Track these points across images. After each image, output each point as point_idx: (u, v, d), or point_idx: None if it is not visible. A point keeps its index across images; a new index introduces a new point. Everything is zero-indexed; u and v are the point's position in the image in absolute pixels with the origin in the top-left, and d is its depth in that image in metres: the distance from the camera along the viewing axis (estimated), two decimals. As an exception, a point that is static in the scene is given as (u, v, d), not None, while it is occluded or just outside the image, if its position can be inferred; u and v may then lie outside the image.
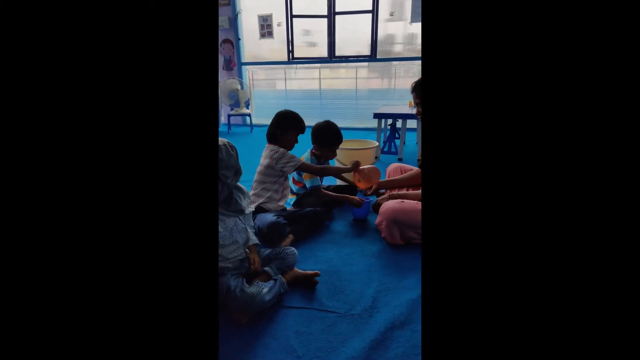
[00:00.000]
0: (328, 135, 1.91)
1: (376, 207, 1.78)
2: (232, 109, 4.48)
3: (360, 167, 1.89)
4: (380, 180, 1.91)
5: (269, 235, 1.52)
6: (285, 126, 1.75)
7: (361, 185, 1.93)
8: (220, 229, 1.15)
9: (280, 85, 5.32)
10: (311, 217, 1.72)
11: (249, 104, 4.58)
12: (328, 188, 2.05)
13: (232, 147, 1.12)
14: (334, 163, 2.32)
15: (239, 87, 4.45)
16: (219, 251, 1.13)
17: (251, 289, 1.12)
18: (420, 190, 1.70)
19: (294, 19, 4.51)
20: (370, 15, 4.27)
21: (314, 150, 1.96)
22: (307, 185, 1.92)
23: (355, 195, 1.97)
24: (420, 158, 1.94)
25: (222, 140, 1.10)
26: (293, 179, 1.99)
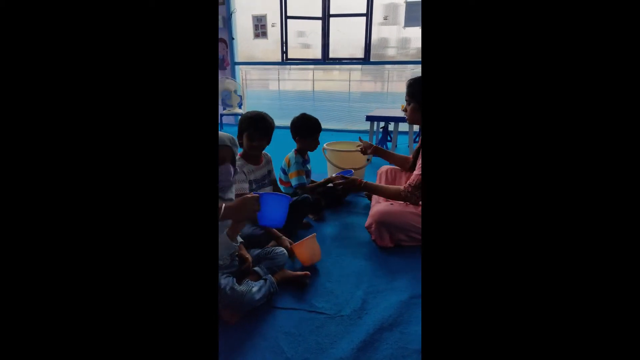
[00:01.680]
0: (307, 126, 1.92)
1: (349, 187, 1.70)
2: (224, 109, 4.46)
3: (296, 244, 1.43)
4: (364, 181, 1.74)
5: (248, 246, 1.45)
6: (240, 129, 1.62)
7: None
8: None
9: (273, 86, 5.31)
10: (294, 207, 1.66)
11: (241, 104, 4.57)
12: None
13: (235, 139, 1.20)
14: (329, 168, 2.32)
15: (232, 88, 4.42)
16: None
17: (241, 288, 1.11)
18: (390, 186, 1.66)
19: (288, 20, 4.51)
20: (364, 18, 4.30)
21: (297, 148, 1.98)
22: (293, 184, 1.93)
23: (342, 198, 2.11)
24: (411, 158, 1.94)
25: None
26: (280, 179, 2.00)
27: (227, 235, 1.06)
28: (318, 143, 2.00)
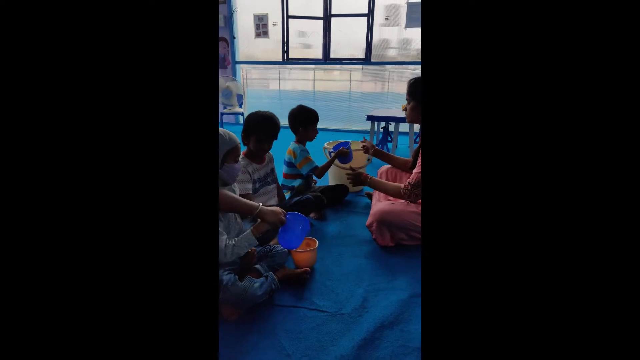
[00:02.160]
0: (306, 115, 1.94)
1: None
2: (225, 107, 4.46)
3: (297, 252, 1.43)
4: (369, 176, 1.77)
5: None
6: (247, 129, 1.61)
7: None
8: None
9: (274, 85, 5.31)
10: (298, 207, 1.67)
11: (242, 103, 4.57)
12: (318, 189, 2.07)
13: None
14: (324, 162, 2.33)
15: (233, 88, 4.41)
16: None
17: (243, 284, 1.12)
18: (392, 183, 1.68)
19: (289, 20, 4.51)
20: (365, 19, 4.30)
21: (297, 139, 1.99)
22: (304, 172, 1.94)
23: (345, 195, 2.15)
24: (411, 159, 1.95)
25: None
26: (285, 174, 2.00)
27: (251, 232, 1.16)
28: (317, 132, 2.03)
